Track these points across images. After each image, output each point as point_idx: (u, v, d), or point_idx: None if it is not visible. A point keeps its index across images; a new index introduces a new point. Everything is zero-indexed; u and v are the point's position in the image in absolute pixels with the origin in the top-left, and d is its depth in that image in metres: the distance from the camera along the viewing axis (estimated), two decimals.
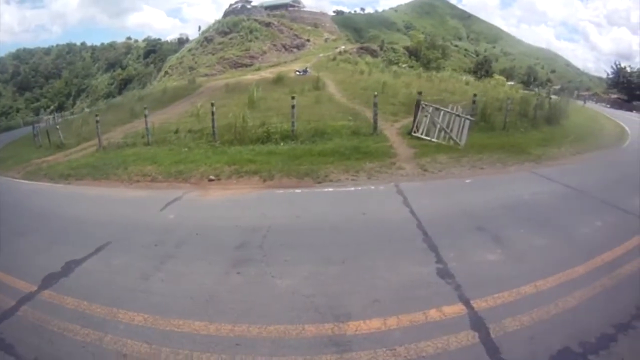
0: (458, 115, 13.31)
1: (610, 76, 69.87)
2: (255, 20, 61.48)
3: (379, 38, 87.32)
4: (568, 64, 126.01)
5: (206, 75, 50.64)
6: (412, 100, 15.86)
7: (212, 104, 14.51)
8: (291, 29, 62.79)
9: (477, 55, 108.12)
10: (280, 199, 8.49)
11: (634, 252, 5.29)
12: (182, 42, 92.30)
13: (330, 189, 8.88)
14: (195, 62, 57.58)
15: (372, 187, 8.87)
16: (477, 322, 3.75)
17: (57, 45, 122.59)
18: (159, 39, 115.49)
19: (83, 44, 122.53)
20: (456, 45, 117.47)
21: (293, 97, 14.01)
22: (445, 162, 10.79)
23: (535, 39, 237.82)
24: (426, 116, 13.47)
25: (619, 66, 67.77)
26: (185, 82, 40.55)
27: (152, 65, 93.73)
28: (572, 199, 7.88)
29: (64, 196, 10.48)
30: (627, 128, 22.85)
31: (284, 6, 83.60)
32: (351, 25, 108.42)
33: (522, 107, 18.59)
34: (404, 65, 49.09)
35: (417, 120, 13.56)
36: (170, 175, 10.88)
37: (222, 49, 57.16)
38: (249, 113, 15.76)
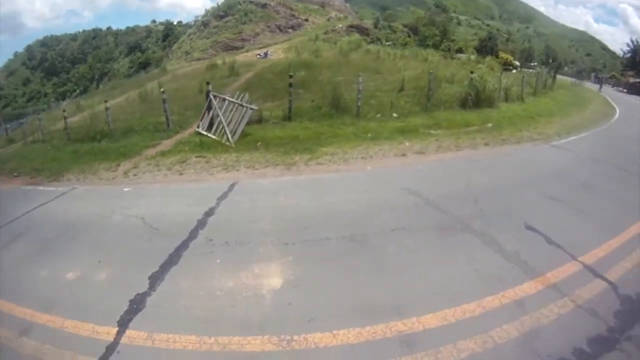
0: (241, 105, 11.78)
1: (627, 55, 62.39)
2: (251, 1, 59.80)
3: (401, 16, 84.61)
4: (604, 48, 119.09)
5: (198, 59, 49.99)
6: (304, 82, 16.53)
7: (64, 110, 17.32)
8: (291, 9, 60.81)
9: (510, 35, 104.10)
10: None
11: None
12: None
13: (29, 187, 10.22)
14: (191, 47, 57.28)
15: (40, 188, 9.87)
16: None
17: (84, 31, 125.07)
18: (180, 22, 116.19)
19: (109, 28, 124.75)
20: (488, 25, 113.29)
21: (106, 101, 15.10)
22: (151, 166, 10.37)
23: (573, 21, 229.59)
24: (211, 108, 12.30)
25: (636, 44, 60.09)
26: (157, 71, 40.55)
27: (168, 49, 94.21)
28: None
29: None
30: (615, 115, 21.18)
31: None
32: (378, 3, 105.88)
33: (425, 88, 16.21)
34: (387, 43, 46.47)
35: (203, 114, 12.59)
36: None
37: (217, 32, 56.36)
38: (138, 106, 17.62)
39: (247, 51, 46.86)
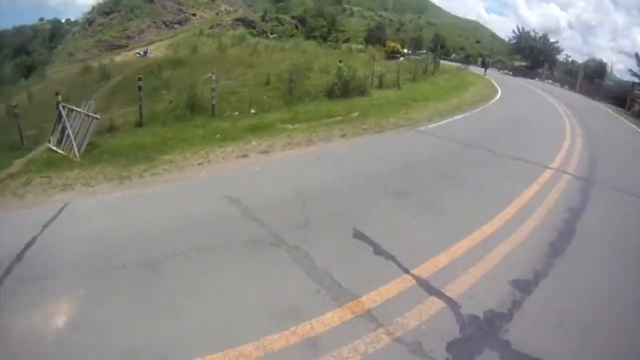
0: (87, 115, 10.98)
1: (513, 41, 69.65)
2: None
3: (293, 8, 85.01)
4: (493, 35, 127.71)
5: (82, 60, 47.41)
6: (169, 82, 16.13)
7: None
8: (179, 3, 58.95)
9: (401, 25, 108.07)
10: None
11: None
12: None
13: None
14: (75, 47, 53.99)
15: None
16: None
17: None
18: (69, 19, 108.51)
19: None
20: (380, 16, 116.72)
21: None
22: None
23: (466, 12, 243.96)
24: (61, 120, 11.38)
25: (521, 31, 68.19)
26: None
27: (53, 50, 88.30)
28: None
29: None
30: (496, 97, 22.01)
31: None
32: None
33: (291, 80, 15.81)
34: (272, 36, 47.69)
35: (54, 128, 11.51)
36: None
37: (102, 30, 53.62)
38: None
39: (130, 50, 45.48)
